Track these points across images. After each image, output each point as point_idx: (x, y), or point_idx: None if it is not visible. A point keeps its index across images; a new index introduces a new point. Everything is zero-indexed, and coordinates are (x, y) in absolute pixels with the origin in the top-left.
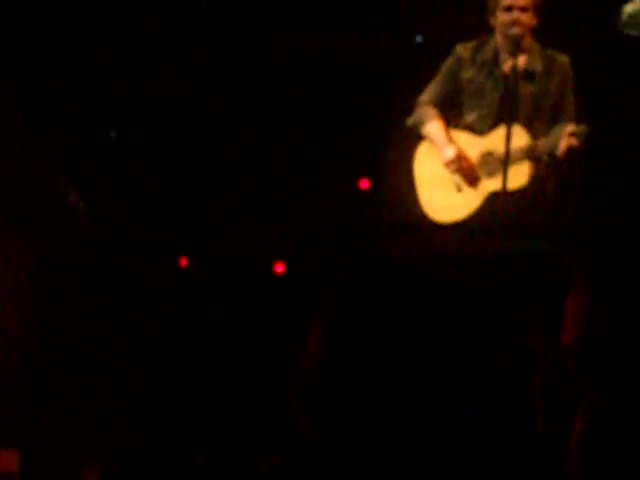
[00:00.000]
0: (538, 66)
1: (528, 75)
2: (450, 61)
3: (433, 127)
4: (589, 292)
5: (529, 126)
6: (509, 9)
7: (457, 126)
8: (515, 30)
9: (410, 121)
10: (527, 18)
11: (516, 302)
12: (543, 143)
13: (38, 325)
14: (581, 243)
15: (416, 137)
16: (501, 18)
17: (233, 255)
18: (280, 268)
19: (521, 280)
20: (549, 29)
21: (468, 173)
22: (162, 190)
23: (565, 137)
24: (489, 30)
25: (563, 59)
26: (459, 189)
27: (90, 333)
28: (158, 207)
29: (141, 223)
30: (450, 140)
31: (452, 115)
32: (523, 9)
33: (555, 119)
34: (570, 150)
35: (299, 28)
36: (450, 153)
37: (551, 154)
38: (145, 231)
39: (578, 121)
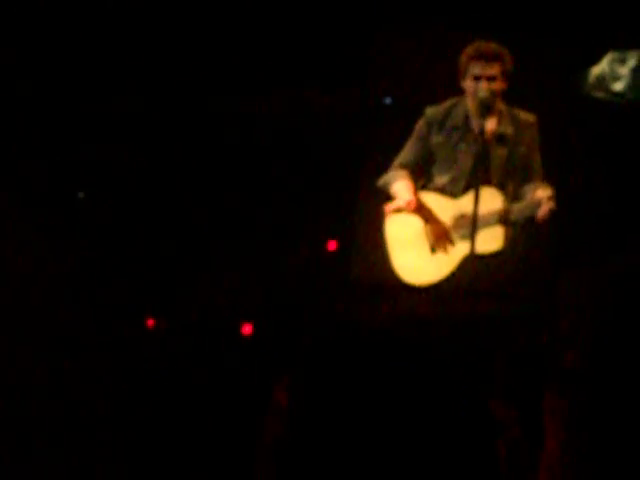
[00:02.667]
0: (508, 129)
1: (500, 138)
2: (420, 124)
3: (400, 186)
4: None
5: (501, 189)
6: (477, 78)
7: (427, 188)
8: (483, 95)
9: (380, 182)
10: (495, 85)
11: (486, 367)
12: (518, 208)
13: None
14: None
15: (386, 198)
16: (470, 85)
17: (200, 316)
18: (247, 329)
19: (493, 344)
20: (516, 89)
21: (442, 235)
22: (130, 250)
23: (544, 202)
24: (459, 92)
25: (531, 119)
26: (432, 251)
27: (55, 392)
28: (126, 268)
29: (109, 283)
30: (408, 188)
31: (423, 177)
32: (491, 78)
33: (524, 180)
34: (551, 214)
35: (267, 89)
36: (404, 197)
37: (527, 218)
38: (112, 291)
39: (545, 181)
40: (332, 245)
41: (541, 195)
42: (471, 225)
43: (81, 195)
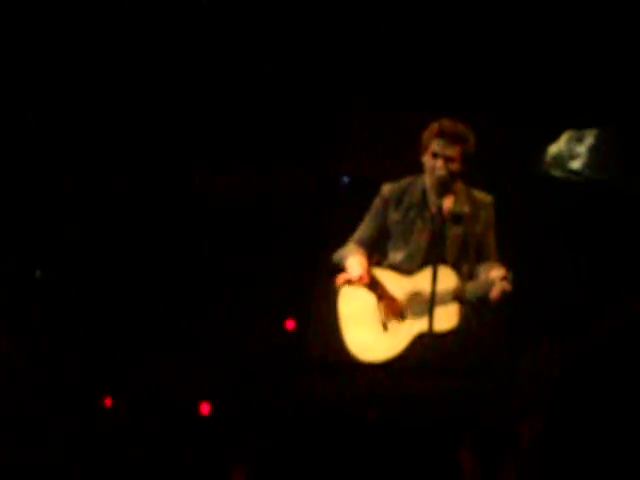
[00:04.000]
0: (465, 208)
1: (456, 217)
2: (377, 202)
3: (353, 261)
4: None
5: (456, 267)
6: (436, 155)
7: (381, 265)
8: (440, 173)
9: (335, 257)
10: (453, 166)
11: (442, 440)
12: (472, 287)
13: None
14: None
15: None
16: (428, 162)
17: (157, 395)
18: (205, 409)
19: (448, 419)
20: (474, 167)
21: (395, 312)
22: (85, 330)
23: (498, 282)
24: (417, 170)
25: (487, 199)
26: (385, 328)
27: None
28: (83, 348)
29: (64, 363)
30: (360, 263)
31: (378, 254)
32: (449, 159)
33: (479, 259)
34: (503, 294)
35: (225, 168)
36: (355, 271)
37: (481, 298)
38: (68, 371)
39: (500, 260)
40: (290, 324)
41: (494, 275)
42: (425, 303)
43: (38, 273)
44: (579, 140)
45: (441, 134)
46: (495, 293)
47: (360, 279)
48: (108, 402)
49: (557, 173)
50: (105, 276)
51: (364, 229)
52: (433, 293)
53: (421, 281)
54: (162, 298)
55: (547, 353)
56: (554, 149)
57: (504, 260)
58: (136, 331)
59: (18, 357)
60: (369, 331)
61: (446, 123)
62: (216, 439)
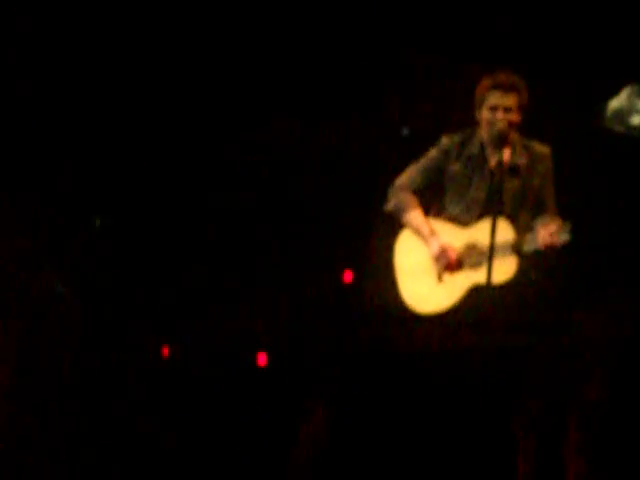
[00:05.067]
0: (522, 160)
1: (513, 170)
2: (436, 153)
3: (414, 216)
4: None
5: (514, 220)
6: (494, 108)
7: (438, 216)
8: (500, 126)
9: (389, 206)
10: (512, 117)
11: (500, 394)
12: (529, 239)
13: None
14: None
15: (396, 224)
16: (486, 116)
17: (216, 346)
18: (263, 360)
19: (505, 374)
20: (533, 121)
21: (452, 264)
22: (147, 280)
23: (547, 236)
24: (474, 123)
25: (545, 151)
26: (440, 279)
27: (71, 418)
28: (143, 297)
29: (125, 312)
30: (433, 232)
31: (433, 205)
32: (507, 109)
33: (537, 211)
34: (552, 248)
35: (286, 122)
36: (435, 248)
37: (537, 250)
38: (129, 320)
39: (558, 213)
40: (348, 276)
41: (545, 229)
42: (482, 255)
43: (97, 221)
44: None
45: (496, 85)
46: (542, 246)
47: (450, 264)
48: (166, 351)
49: (617, 128)
50: (164, 225)
51: (419, 177)
52: (492, 245)
53: (478, 233)
54: (221, 250)
55: (611, 312)
56: (615, 104)
57: (562, 213)
58: (194, 282)
59: (76, 307)
60: (424, 282)
61: (498, 75)
62: (274, 391)
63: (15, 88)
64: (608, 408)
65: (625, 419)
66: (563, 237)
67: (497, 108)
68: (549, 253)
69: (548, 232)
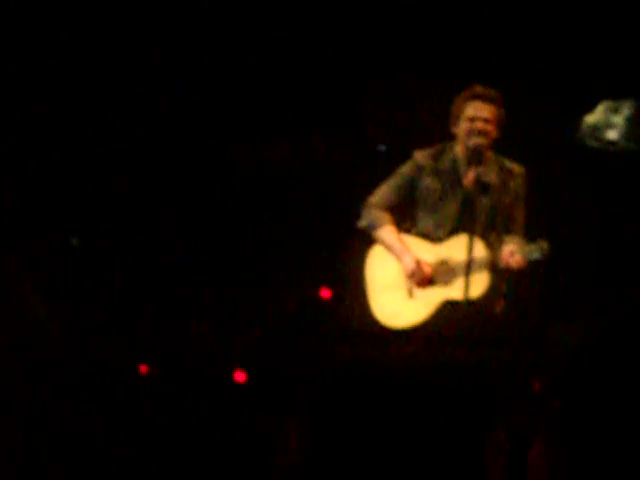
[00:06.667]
0: (494, 178)
1: (484, 187)
2: (408, 168)
3: (386, 232)
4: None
5: (484, 237)
6: (472, 119)
7: (408, 232)
8: (477, 140)
9: (362, 223)
10: (489, 128)
11: (472, 410)
12: (499, 257)
13: None
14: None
15: (367, 241)
16: (464, 127)
17: (194, 363)
18: (240, 377)
19: (477, 389)
20: (509, 137)
21: (425, 280)
22: (124, 298)
23: (506, 256)
24: (448, 138)
25: (517, 169)
26: (411, 295)
27: (47, 436)
28: (120, 315)
29: (103, 330)
30: (406, 248)
31: (404, 220)
32: (486, 120)
33: (507, 230)
34: (511, 268)
35: (261, 136)
36: (409, 263)
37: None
38: (107, 337)
39: (526, 233)
40: (326, 293)
41: (510, 248)
42: (453, 270)
43: (75, 241)
44: (616, 110)
45: (476, 96)
46: (504, 264)
47: (422, 280)
48: (144, 369)
49: (593, 143)
50: (141, 244)
51: (391, 194)
52: (470, 261)
53: (449, 249)
54: (198, 266)
55: (581, 327)
56: (590, 119)
57: (535, 231)
58: (172, 299)
59: (54, 324)
60: (395, 298)
61: (477, 87)
62: (250, 406)
63: None
64: (573, 419)
65: (592, 430)
66: (534, 256)
67: (475, 119)
68: (520, 270)
69: (508, 252)
